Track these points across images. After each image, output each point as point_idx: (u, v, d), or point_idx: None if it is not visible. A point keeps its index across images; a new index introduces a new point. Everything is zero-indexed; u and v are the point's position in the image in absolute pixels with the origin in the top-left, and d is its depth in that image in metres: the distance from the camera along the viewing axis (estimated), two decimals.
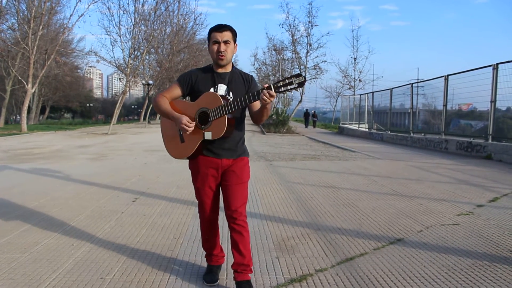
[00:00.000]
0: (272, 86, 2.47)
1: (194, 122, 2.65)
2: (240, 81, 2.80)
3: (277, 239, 3.90)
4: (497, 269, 3.16)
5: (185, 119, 2.62)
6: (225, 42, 2.67)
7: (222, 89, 2.75)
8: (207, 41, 2.77)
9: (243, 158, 2.84)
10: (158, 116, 62.46)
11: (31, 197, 5.77)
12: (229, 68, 2.79)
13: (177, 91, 2.81)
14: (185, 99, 2.91)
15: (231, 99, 2.69)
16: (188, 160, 2.87)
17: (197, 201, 2.99)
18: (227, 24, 2.73)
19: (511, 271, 3.13)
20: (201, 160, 2.78)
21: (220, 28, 2.67)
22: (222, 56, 2.67)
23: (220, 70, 2.77)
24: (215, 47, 2.67)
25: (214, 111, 2.59)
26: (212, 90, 2.72)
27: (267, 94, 2.45)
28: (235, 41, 2.76)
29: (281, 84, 2.46)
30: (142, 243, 3.80)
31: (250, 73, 2.97)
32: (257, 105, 2.73)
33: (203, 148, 2.74)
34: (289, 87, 2.44)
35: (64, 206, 5.23)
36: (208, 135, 2.64)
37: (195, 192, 2.92)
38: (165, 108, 2.75)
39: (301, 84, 2.42)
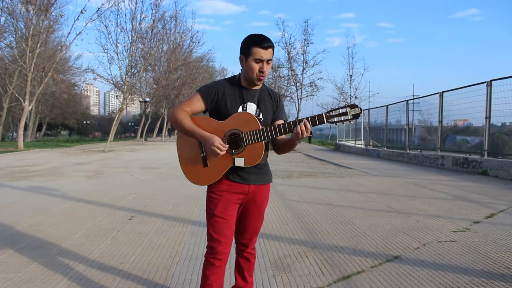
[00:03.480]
0: (324, 115, 2.18)
1: (227, 146, 2.29)
2: (268, 100, 2.48)
3: (274, 258, 3.88)
4: (494, 286, 3.15)
5: (217, 141, 2.25)
6: (268, 62, 2.31)
7: (252, 108, 2.41)
8: (242, 54, 2.35)
9: (267, 185, 2.54)
10: (155, 133, 62.46)
11: (27, 215, 5.73)
12: (260, 85, 2.45)
13: (199, 105, 2.38)
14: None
15: (261, 120, 2.40)
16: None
17: (206, 236, 2.47)
18: (268, 36, 2.34)
19: (509, 287, 3.12)
20: (226, 185, 2.38)
21: (264, 43, 2.28)
22: (263, 76, 2.33)
23: (249, 86, 2.42)
24: (257, 66, 2.30)
25: (249, 135, 2.26)
26: (240, 109, 2.38)
27: (303, 127, 2.17)
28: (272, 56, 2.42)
29: (334, 114, 2.17)
30: (138, 261, 3.77)
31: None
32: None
33: (229, 172, 2.37)
34: (342, 118, 2.15)
35: (60, 224, 5.19)
36: (239, 162, 2.29)
37: (210, 223, 2.39)
38: (189, 125, 2.33)
39: (356, 116, 2.14)
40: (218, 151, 2.24)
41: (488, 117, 11.36)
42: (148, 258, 3.87)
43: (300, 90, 40.02)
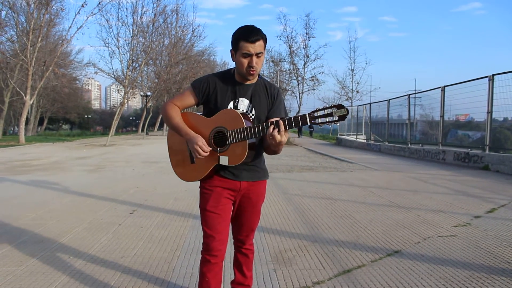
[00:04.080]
0: (307, 115, 2.06)
1: (210, 148, 2.24)
2: (263, 96, 2.35)
3: (275, 252, 3.89)
4: (494, 281, 3.15)
5: (200, 141, 2.21)
6: (258, 55, 2.19)
7: (243, 104, 2.32)
8: (232, 49, 2.26)
9: (262, 182, 2.48)
10: (157, 127, 62.49)
11: (29, 209, 5.75)
12: (254, 79, 2.35)
13: (190, 99, 2.36)
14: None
15: (253, 116, 2.32)
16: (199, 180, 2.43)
17: (201, 231, 2.41)
18: (257, 27, 2.22)
19: (509, 282, 3.12)
20: (217, 181, 2.34)
21: (252, 36, 2.15)
22: (254, 71, 2.22)
23: (243, 81, 2.32)
24: (245, 60, 2.19)
25: (233, 134, 2.18)
26: (231, 104, 2.31)
27: (274, 131, 2.08)
28: (265, 48, 2.27)
29: (318, 114, 2.05)
30: (139, 255, 3.79)
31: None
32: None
33: (220, 168, 2.32)
34: (327, 119, 2.03)
35: (61, 218, 5.21)
36: (224, 160, 2.24)
37: (203, 219, 2.36)
38: (176, 122, 2.31)
39: (342, 118, 2.02)
40: (201, 151, 2.20)
41: (490, 112, 11.34)
42: (149, 252, 3.88)
43: (301, 84, 39.95)
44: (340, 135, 28.91)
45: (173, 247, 4.02)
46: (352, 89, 43.62)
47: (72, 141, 28.03)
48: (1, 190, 7.50)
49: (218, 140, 2.25)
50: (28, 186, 7.91)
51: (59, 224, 4.91)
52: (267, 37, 2.25)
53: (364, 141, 23.08)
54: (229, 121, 2.21)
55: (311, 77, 39.30)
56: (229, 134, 2.19)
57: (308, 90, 39.78)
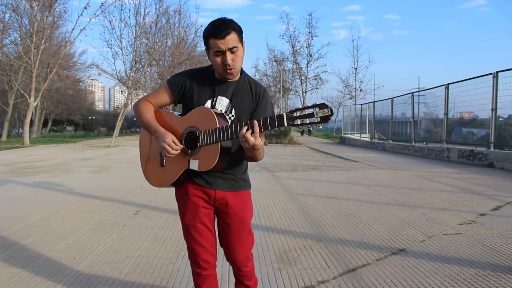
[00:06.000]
0: (285, 115, 1.80)
1: (181, 145, 2.03)
2: (247, 95, 2.11)
3: (279, 251, 3.89)
4: (500, 279, 3.13)
5: (169, 138, 1.98)
6: (232, 50, 1.95)
7: (222, 103, 2.09)
8: (205, 47, 2.04)
9: (243, 193, 2.21)
10: None
11: (33, 210, 5.77)
12: (236, 76, 2.10)
13: (165, 97, 2.15)
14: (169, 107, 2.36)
15: (232, 117, 2.09)
16: (174, 187, 2.24)
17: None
18: (228, 18, 1.98)
19: None
20: (191, 188, 2.14)
21: (219, 33, 1.91)
22: (231, 69, 1.99)
23: (223, 78, 2.09)
24: (219, 59, 1.97)
25: (204, 135, 1.96)
26: (209, 103, 2.08)
27: (246, 133, 1.82)
28: (242, 40, 2.01)
29: (297, 114, 1.79)
30: (144, 256, 3.79)
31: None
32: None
33: (193, 174, 2.10)
34: (308, 120, 1.77)
35: (66, 220, 5.22)
36: (194, 164, 2.01)
37: (184, 232, 2.21)
38: (147, 118, 2.10)
39: (324, 119, 1.77)
40: (169, 148, 1.97)
41: (494, 109, 11.30)
42: (153, 252, 3.88)
43: (304, 83, 40.00)
44: (344, 133, 28.88)
45: (178, 247, 4.02)
46: (355, 88, 43.60)
47: (76, 143, 28.16)
48: (6, 192, 7.53)
49: (190, 142, 2.04)
50: (32, 188, 7.94)
51: (64, 225, 4.93)
52: (241, 27, 2.01)
53: (368, 139, 23.03)
54: (201, 121, 1.99)
55: (314, 76, 39.46)
56: (201, 135, 1.98)
57: (312, 89, 39.90)
